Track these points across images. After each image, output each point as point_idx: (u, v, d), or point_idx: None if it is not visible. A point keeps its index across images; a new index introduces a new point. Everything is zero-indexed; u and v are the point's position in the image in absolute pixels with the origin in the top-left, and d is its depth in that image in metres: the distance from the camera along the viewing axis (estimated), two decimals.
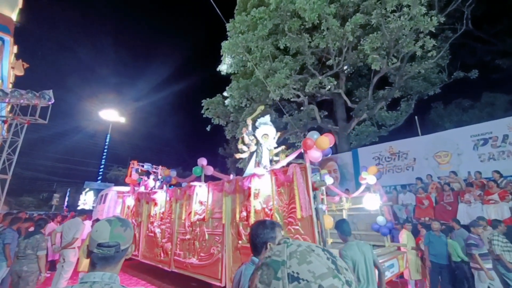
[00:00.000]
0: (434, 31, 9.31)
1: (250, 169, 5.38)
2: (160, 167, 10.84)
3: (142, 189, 8.33)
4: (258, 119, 5.96)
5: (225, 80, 15.29)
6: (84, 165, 36.75)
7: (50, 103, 7.19)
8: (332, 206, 6.15)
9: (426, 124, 14.15)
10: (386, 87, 12.68)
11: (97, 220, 8.65)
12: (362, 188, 5.67)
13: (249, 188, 4.44)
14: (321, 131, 15.27)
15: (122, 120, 35.61)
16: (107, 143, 36.54)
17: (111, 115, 34.01)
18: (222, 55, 13.27)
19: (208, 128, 15.50)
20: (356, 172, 11.48)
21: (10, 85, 10.13)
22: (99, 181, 32.68)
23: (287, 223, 3.83)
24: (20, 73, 9.52)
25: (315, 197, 3.67)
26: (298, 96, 12.85)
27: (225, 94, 14.14)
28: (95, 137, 38.35)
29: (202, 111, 15.19)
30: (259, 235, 1.50)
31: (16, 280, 3.93)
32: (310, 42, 10.77)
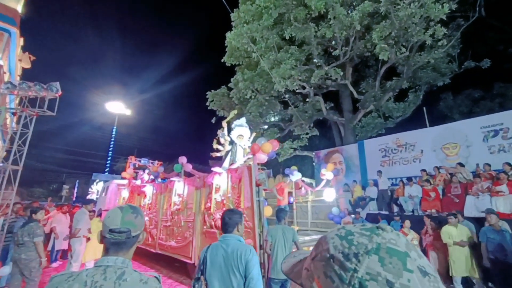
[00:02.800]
0: (445, 19, 9.00)
1: (225, 166, 5.98)
2: (156, 162, 11.14)
3: (138, 182, 8.85)
4: (234, 122, 6.78)
5: (230, 71, 15.19)
6: (92, 157, 37.33)
7: (57, 95, 7.26)
8: (299, 199, 7.45)
9: (434, 115, 13.87)
10: (394, 78, 12.42)
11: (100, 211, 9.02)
12: (323, 183, 6.80)
13: (212, 184, 5.36)
14: (326, 123, 15.30)
15: (128, 112, 35.75)
16: (113, 136, 36.92)
17: (117, 107, 34.14)
18: (227, 46, 13.12)
19: (213, 120, 15.52)
20: (362, 164, 11.42)
21: (18, 78, 10.24)
22: (107, 173, 33.21)
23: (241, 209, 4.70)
24: (27, 65, 9.59)
25: (258, 192, 4.46)
26: (304, 88, 12.70)
27: (230, 85, 14.06)
28: (102, 129, 38.79)
29: (207, 103, 15.18)
30: (232, 219, 1.98)
31: (18, 268, 4.12)
32: (316, 31, 10.54)
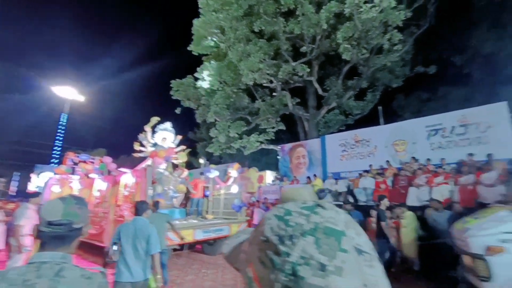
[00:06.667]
0: (401, 25, 9.75)
1: None
2: (99, 158, 10.90)
3: (75, 177, 9.24)
4: (158, 126, 8.08)
5: (197, 61, 14.66)
6: (36, 147, 33.29)
7: None
8: (215, 192, 8.96)
9: (388, 114, 15.08)
10: (355, 77, 13.19)
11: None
12: (231, 179, 8.44)
13: (119, 181, 6.47)
14: (292, 117, 15.69)
15: (81, 98, 32.43)
16: (62, 123, 33.32)
17: (68, 92, 30.64)
18: (194, 34, 12.60)
19: (177, 111, 14.92)
20: (323, 158, 12.01)
21: None
22: (53, 164, 29.69)
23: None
24: None
25: (154, 188, 6.09)
26: (271, 82, 12.83)
27: (196, 75, 13.60)
28: (50, 117, 34.79)
29: (171, 93, 14.52)
30: (141, 207, 3.09)
31: None
32: (285, 27, 10.65)
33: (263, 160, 18.51)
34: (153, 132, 8.26)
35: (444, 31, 13.42)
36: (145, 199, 5.20)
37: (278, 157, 14.35)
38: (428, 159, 8.30)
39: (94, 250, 6.98)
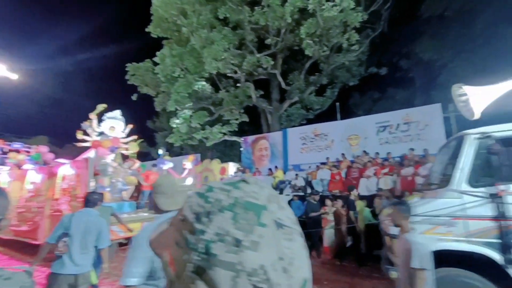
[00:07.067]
0: (359, 27, 10.38)
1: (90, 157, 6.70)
2: (36, 146, 9.83)
3: (5, 168, 8.57)
4: (106, 114, 7.59)
5: (157, 44, 13.66)
6: None
7: None
8: None
9: (345, 110, 16.12)
10: (316, 74, 13.74)
11: None
12: (186, 171, 8.74)
13: (57, 173, 6.18)
14: (256, 110, 15.75)
15: (13, 76, 27.83)
16: None
17: None
18: (153, 14, 11.69)
19: (134, 98, 13.85)
20: (285, 150, 12.38)
21: None
22: None
23: (77, 196, 5.63)
24: None
25: (97, 180, 5.91)
26: (236, 72, 12.64)
27: (155, 60, 12.70)
28: None
29: (127, 77, 13.38)
30: (93, 198, 2.99)
31: None
32: (250, 16, 10.51)
33: (226, 151, 18.36)
34: (100, 120, 7.71)
35: (394, 37, 14.67)
36: (87, 191, 4.98)
37: (241, 149, 14.36)
38: (377, 153, 9.11)
39: (26, 248, 6.51)
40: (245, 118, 14.01)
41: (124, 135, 7.72)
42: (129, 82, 13.50)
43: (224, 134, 13.60)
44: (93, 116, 7.58)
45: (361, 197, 6.96)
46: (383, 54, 15.44)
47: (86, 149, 7.24)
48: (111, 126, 7.39)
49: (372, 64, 14.50)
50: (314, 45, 10.56)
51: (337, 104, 13.12)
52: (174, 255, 0.35)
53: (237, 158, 14.95)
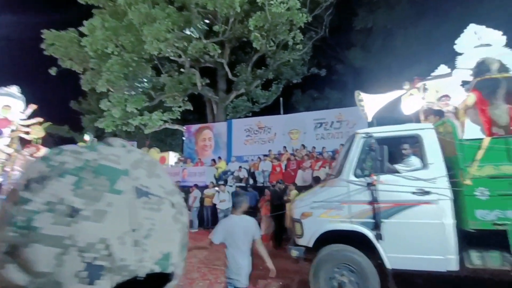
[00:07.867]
0: (303, 27, 10.96)
1: None
2: None
3: None
4: None
5: (86, 11, 11.65)
6: None
7: None
8: None
9: (288, 106, 16.99)
10: (263, 68, 14.03)
11: None
12: None
13: None
14: (201, 98, 15.20)
15: None
16: None
17: None
18: None
19: (52, 71, 11.64)
20: (229, 141, 12.35)
21: None
22: None
23: None
24: None
25: None
26: (180, 56, 11.87)
27: (82, 30, 10.87)
28: None
29: (43, 46, 11.12)
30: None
31: None
32: None
33: (167, 140, 17.26)
34: None
35: (333, 43, 16.10)
36: None
37: (183, 138, 13.70)
38: (314, 147, 9.92)
39: None
40: (189, 106, 13.37)
41: (24, 117, 6.43)
42: (46, 53, 11.24)
43: (165, 121, 12.73)
44: None
45: (298, 188, 7.51)
46: (323, 57, 16.77)
47: None
48: (6, 105, 6.06)
49: (314, 65, 15.61)
50: (261, 39, 10.70)
51: (281, 99, 13.72)
52: None
53: (178, 148, 14.25)
